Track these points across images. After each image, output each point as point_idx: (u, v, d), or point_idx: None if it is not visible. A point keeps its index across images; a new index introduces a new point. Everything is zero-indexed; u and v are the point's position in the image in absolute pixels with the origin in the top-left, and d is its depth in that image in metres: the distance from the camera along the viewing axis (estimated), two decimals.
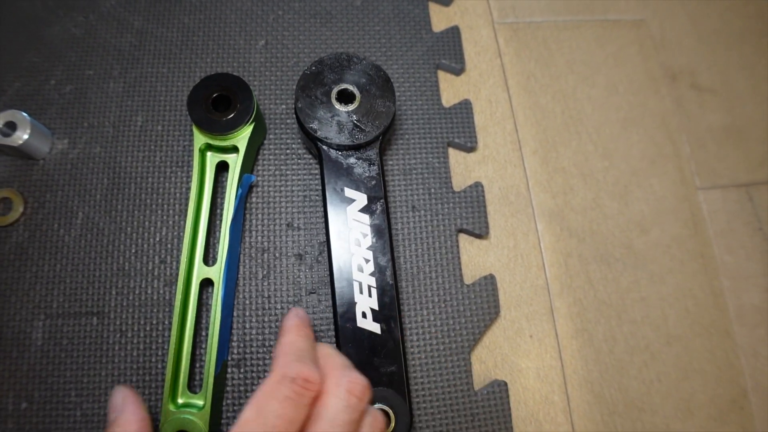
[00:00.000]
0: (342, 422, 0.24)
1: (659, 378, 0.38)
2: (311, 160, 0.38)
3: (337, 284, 0.31)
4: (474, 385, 0.35)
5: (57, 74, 0.39)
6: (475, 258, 0.38)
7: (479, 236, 0.38)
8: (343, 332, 0.31)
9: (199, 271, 0.34)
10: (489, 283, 0.36)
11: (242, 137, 0.34)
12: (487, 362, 0.36)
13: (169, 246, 0.36)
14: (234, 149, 0.34)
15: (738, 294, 0.40)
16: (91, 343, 0.34)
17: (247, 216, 0.36)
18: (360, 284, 0.31)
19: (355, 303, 0.31)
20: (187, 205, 0.36)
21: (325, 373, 0.26)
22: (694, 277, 0.40)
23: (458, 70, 0.41)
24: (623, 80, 0.44)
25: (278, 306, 0.35)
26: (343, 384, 0.25)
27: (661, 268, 0.40)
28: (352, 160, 0.33)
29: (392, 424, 0.30)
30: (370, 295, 0.31)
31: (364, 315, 0.31)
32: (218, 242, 0.34)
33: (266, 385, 0.25)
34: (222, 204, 0.36)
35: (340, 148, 0.33)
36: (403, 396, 0.30)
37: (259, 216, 0.36)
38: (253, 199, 0.37)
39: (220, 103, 0.34)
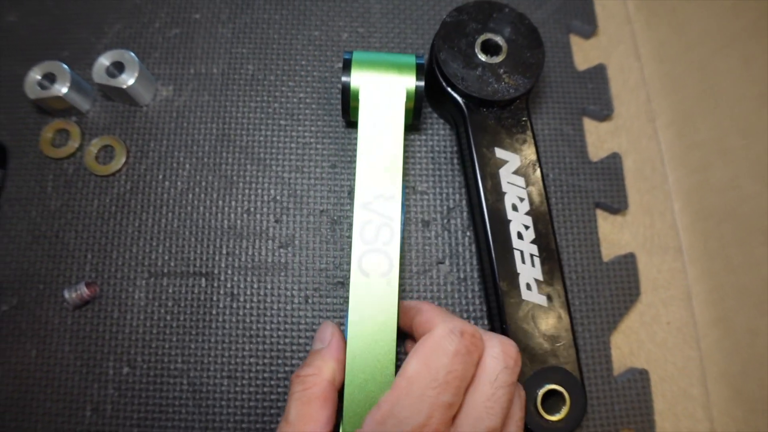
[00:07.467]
0: (502, 384, 0.22)
1: None
2: (436, 121, 0.35)
3: (495, 254, 0.28)
4: (613, 372, 0.32)
5: (162, 16, 0.36)
6: (610, 235, 0.35)
7: (616, 211, 0.35)
8: (509, 307, 0.28)
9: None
10: (629, 262, 0.33)
11: None
12: (623, 348, 0.33)
13: (285, 204, 0.33)
14: None
15: None
16: (199, 306, 0.31)
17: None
18: (521, 253, 0.28)
19: (518, 274, 0.28)
20: (302, 160, 0.33)
21: None
22: None
23: (589, 32, 0.38)
24: (760, 54, 0.41)
25: (405, 275, 0.32)
26: (497, 345, 0.23)
27: None
28: (500, 117, 0.30)
29: (566, 408, 0.27)
30: (533, 265, 0.28)
31: (528, 287, 0.28)
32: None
33: (432, 339, 0.22)
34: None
35: (487, 104, 0.30)
36: (578, 376, 0.27)
37: None
38: None
39: None
